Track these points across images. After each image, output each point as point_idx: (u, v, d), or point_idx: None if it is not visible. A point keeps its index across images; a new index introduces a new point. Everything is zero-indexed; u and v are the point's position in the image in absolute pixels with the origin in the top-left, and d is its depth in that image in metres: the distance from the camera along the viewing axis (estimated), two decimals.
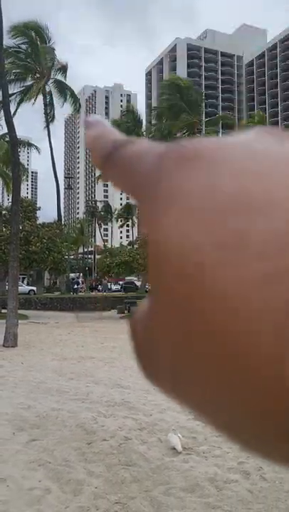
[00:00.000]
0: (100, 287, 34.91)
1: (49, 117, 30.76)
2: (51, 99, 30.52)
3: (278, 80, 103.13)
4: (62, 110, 33.06)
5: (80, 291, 29.22)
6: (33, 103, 28.59)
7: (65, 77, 29.86)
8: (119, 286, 36.31)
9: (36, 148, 32.67)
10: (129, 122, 29.67)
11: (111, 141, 0.18)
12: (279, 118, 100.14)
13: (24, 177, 31.26)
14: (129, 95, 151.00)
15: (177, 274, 0.12)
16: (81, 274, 46.55)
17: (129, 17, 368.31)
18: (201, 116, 32.46)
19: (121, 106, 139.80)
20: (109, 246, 42.11)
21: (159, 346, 0.14)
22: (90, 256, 54.30)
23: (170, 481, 2.94)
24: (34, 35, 27.75)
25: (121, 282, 36.99)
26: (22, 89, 28.52)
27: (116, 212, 57.02)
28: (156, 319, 0.14)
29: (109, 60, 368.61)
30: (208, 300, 0.12)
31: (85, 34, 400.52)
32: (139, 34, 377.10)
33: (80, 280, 37.25)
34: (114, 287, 36.10)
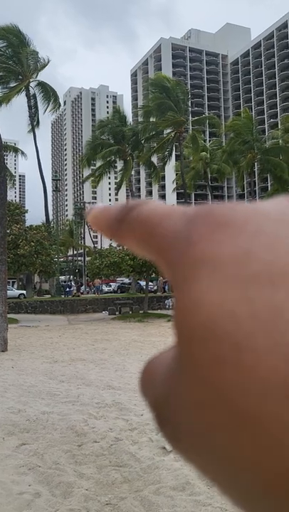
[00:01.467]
0: (82, 289, 34.86)
1: (34, 121, 30.55)
2: (36, 102, 30.33)
3: (263, 78, 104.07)
4: (49, 112, 32.76)
5: (76, 295, 29.13)
6: (6, 104, 28.22)
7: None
8: (111, 288, 36.24)
9: (22, 153, 32.48)
10: (115, 122, 29.61)
11: (119, 208, 0.17)
12: (265, 116, 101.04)
13: (11, 183, 31.00)
14: (115, 96, 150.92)
15: (209, 341, 0.12)
16: (71, 277, 46.37)
17: (109, 20, 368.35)
18: (187, 115, 32.57)
19: (107, 107, 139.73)
20: (99, 248, 42.01)
21: (183, 413, 0.13)
22: (79, 258, 54.13)
23: (161, 481, 2.94)
24: (14, 38, 27.57)
25: (112, 284, 36.96)
26: (5, 91, 28.30)
27: None
28: (182, 385, 0.13)
29: (92, 63, 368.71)
30: (241, 370, 0.11)
31: (65, 38, 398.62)
32: (119, 37, 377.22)
33: (72, 283, 37.09)
34: (106, 289, 35.97)
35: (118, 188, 34.27)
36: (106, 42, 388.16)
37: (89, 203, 67.28)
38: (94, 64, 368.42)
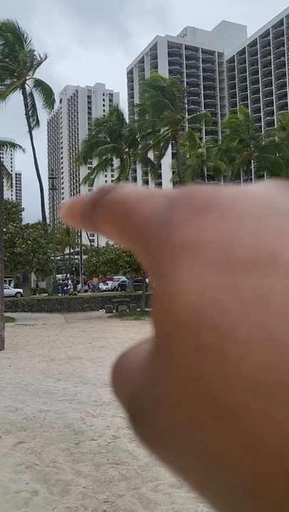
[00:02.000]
0: (78, 287, 34.74)
1: (33, 120, 30.39)
2: (33, 100, 30.18)
3: (259, 75, 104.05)
4: (46, 110, 32.60)
5: (73, 293, 29.08)
6: (2, 101, 28.07)
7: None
8: (108, 286, 36.11)
9: (20, 147, 32.31)
10: (112, 120, 29.55)
11: (92, 194, 0.16)
12: (261, 114, 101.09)
13: (8, 183, 30.83)
14: (112, 94, 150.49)
15: (190, 331, 0.11)
16: (68, 275, 46.29)
17: (103, 18, 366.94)
18: (183, 113, 32.53)
19: (103, 105, 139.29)
20: (96, 246, 41.95)
21: (159, 410, 0.12)
22: (76, 256, 54.03)
23: (158, 478, 2.94)
24: (11, 36, 27.40)
25: (109, 282, 36.89)
26: (1, 89, 28.18)
27: None
28: (159, 379, 0.12)
29: (87, 62, 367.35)
30: (225, 363, 0.10)
31: (59, 37, 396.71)
32: (114, 36, 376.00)
33: (69, 281, 37.03)
34: (104, 287, 35.80)
35: None
36: (101, 40, 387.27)
37: None
38: (89, 62, 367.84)
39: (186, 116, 39.56)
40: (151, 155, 34.55)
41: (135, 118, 32.42)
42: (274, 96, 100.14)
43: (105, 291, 33.72)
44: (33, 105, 30.24)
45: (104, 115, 33.12)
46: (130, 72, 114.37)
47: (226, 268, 0.11)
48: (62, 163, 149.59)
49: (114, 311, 19.45)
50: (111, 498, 2.70)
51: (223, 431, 0.10)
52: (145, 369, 0.13)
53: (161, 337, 0.12)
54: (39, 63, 29.17)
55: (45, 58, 29.37)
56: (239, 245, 0.11)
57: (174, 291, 0.11)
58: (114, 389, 0.15)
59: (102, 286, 35.22)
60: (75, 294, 27.73)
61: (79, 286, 36.40)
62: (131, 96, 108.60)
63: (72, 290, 30.80)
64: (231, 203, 0.12)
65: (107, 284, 36.57)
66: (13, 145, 32.24)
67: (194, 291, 0.11)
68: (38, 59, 29.07)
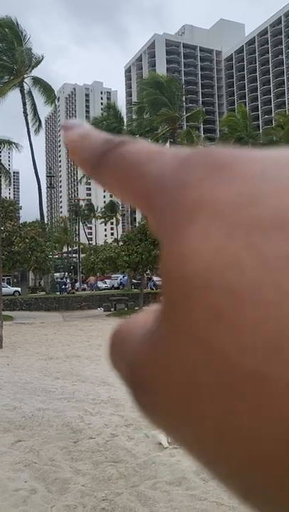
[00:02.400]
0: (76, 286, 34.60)
1: (34, 119, 30.29)
2: (32, 99, 30.08)
3: (257, 74, 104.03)
4: (44, 109, 32.60)
5: (71, 292, 29.02)
6: (1, 98, 27.96)
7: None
8: (106, 285, 35.84)
9: (16, 145, 32.24)
10: (110, 119, 29.50)
11: (102, 139, 0.16)
12: (259, 112, 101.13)
13: (6, 181, 30.74)
14: (110, 92, 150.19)
15: (205, 293, 0.10)
16: (66, 274, 46.26)
17: (101, 18, 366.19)
18: (181, 111, 32.50)
19: (101, 103, 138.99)
20: (94, 244, 41.88)
21: (167, 379, 0.11)
22: (74, 255, 53.99)
23: (157, 476, 2.94)
24: (9, 32, 27.31)
25: (108, 281, 36.80)
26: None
27: (99, 210, 56.76)
28: (167, 347, 0.11)
29: (85, 61, 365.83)
30: (244, 326, 0.09)
31: (57, 36, 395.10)
32: (112, 35, 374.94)
33: (67, 280, 36.95)
34: (103, 285, 35.52)
35: None
36: (98, 39, 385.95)
37: (83, 199, 67.02)
38: (87, 61, 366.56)
39: (184, 114, 39.55)
40: None
41: (133, 117, 32.39)
42: (272, 94, 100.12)
43: (104, 289, 33.57)
44: (33, 104, 30.17)
45: (102, 113, 33.03)
46: (128, 71, 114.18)
47: (246, 229, 0.10)
48: (60, 161, 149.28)
49: (112, 309, 19.46)
50: (109, 496, 2.70)
51: (236, 400, 0.09)
52: (149, 336, 0.12)
53: (171, 300, 0.11)
54: (38, 62, 29.09)
55: (42, 59, 29.30)
56: (260, 205, 0.10)
57: (189, 250, 0.11)
58: (113, 360, 0.14)
59: (101, 284, 35.04)
60: (73, 293, 27.71)
61: (77, 284, 36.31)
62: (129, 94, 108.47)
63: (70, 289, 30.77)
64: (250, 163, 0.11)
65: (105, 283, 36.43)
66: (10, 143, 32.19)
67: (211, 251, 0.10)
68: (36, 58, 29.01)
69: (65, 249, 56.74)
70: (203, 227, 0.11)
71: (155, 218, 0.13)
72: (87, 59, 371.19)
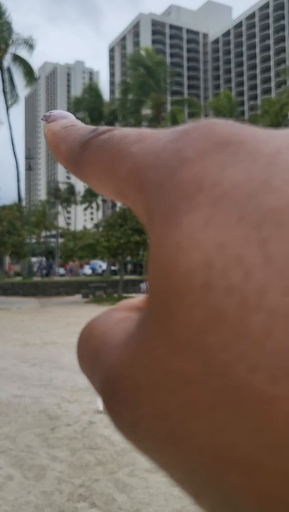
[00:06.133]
0: (54, 270, 34.10)
1: (12, 96, 29.28)
2: (11, 75, 29.05)
3: (244, 58, 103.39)
4: (23, 88, 31.52)
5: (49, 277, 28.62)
6: None
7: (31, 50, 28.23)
8: (91, 271, 35.30)
9: None
10: (90, 98, 28.88)
11: (87, 130, 0.14)
12: (245, 97, 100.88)
13: None
14: (91, 72, 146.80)
15: (201, 293, 0.08)
16: (44, 259, 45.66)
17: None
18: (166, 94, 32.18)
19: (83, 84, 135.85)
20: (73, 229, 41.38)
21: (152, 390, 0.09)
22: (52, 239, 53.27)
23: (135, 463, 2.99)
24: None
25: (86, 267, 36.47)
26: None
27: (81, 194, 55.95)
28: (154, 353, 0.09)
29: (66, 40, 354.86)
30: (246, 336, 0.08)
31: (27, 13, 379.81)
32: (90, 13, 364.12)
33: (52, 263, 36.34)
34: (89, 272, 34.84)
35: None
36: (73, 18, 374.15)
37: (63, 182, 65.81)
38: (68, 40, 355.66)
39: (169, 97, 39.14)
40: None
41: (116, 96, 31.80)
42: (258, 80, 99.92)
43: (90, 275, 32.95)
44: (11, 81, 29.15)
45: (83, 94, 32.29)
46: (112, 51, 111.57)
47: (254, 219, 0.08)
48: (39, 142, 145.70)
49: (90, 296, 19.40)
50: (87, 483, 2.73)
51: (235, 421, 0.08)
52: (131, 341, 0.10)
53: (159, 299, 0.09)
54: (18, 39, 28.03)
55: (32, 41, 28.19)
56: (272, 192, 0.08)
57: (186, 242, 0.09)
58: (84, 367, 0.12)
59: (87, 270, 34.00)
60: (48, 276, 27.33)
61: (61, 270, 35.48)
62: (112, 75, 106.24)
63: (45, 272, 30.31)
64: (261, 141, 0.09)
65: (91, 269, 35.91)
66: None
67: (213, 244, 0.08)
68: (16, 35, 27.93)
69: (43, 234, 55.85)
70: (205, 213, 0.09)
71: (145, 202, 0.10)
72: (70, 38, 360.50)
